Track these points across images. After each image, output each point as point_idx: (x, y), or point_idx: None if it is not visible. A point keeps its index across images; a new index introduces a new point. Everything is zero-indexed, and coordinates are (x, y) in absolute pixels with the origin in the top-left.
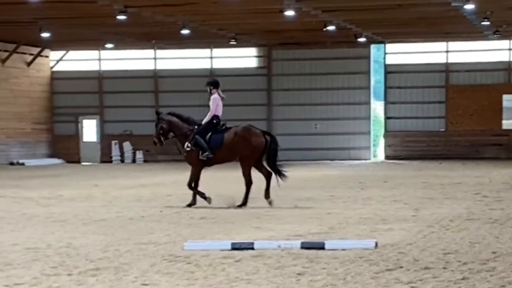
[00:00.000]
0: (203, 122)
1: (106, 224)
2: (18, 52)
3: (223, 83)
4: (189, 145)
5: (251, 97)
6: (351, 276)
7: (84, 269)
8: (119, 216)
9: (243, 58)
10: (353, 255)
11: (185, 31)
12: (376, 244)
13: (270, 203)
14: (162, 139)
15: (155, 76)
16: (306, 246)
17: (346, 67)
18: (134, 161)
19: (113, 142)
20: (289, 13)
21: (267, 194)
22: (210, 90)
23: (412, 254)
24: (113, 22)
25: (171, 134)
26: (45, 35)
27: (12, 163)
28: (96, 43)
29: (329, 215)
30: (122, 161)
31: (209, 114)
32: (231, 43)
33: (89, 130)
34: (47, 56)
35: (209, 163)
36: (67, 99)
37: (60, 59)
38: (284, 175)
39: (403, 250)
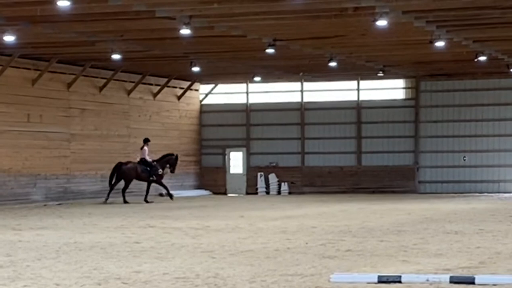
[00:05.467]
0: None
1: (252, 255)
2: (169, 86)
3: (370, 115)
4: None
5: (398, 129)
6: None
7: None
8: (265, 247)
9: (391, 89)
10: None
11: (332, 64)
12: None
13: None
14: None
15: (302, 108)
16: (455, 280)
17: (497, 98)
18: (279, 192)
19: (258, 174)
20: (439, 43)
21: None
22: None
23: None
24: (262, 56)
25: None
26: (196, 69)
27: (161, 195)
28: (244, 76)
29: (478, 249)
30: (268, 192)
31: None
32: (378, 75)
33: (236, 162)
34: (196, 90)
35: None
36: (214, 132)
37: (209, 93)
38: None
39: None
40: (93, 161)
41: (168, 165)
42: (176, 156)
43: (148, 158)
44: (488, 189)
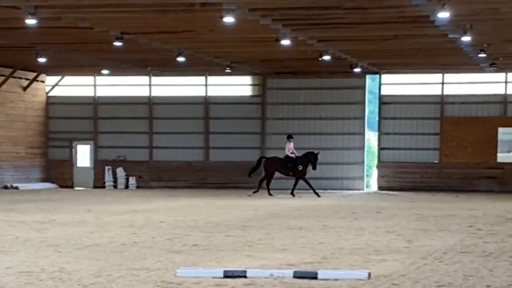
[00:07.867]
0: None
1: (98, 249)
2: (14, 77)
3: (217, 111)
4: None
5: (245, 126)
6: None
7: None
8: (111, 241)
9: (238, 86)
10: (346, 285)
11: (180, 58)
12: (369, 275)
13: None
14: None
15: (150, 102)
16: (298, 275)
17: (340, 97)
18: (127, 186)
19: (106, 167)
20: (285, 42)
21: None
22: None
23: (405, 286)
24: (110, 49)
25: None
26: (42, 60)
27: (6, 187)
28: (92, 69)
29: (321, 245)
30: (115, 186)
31: None
32: (226, 71)
33: (83, 155)
34: (43, 81)
35: None
36: (61, 124)
37: (56, 84)
38: None
39: (396, 282)
40: None
41: (310, 162)
42: (316, 154)
43: (290, 154)
44: (332, 186)
